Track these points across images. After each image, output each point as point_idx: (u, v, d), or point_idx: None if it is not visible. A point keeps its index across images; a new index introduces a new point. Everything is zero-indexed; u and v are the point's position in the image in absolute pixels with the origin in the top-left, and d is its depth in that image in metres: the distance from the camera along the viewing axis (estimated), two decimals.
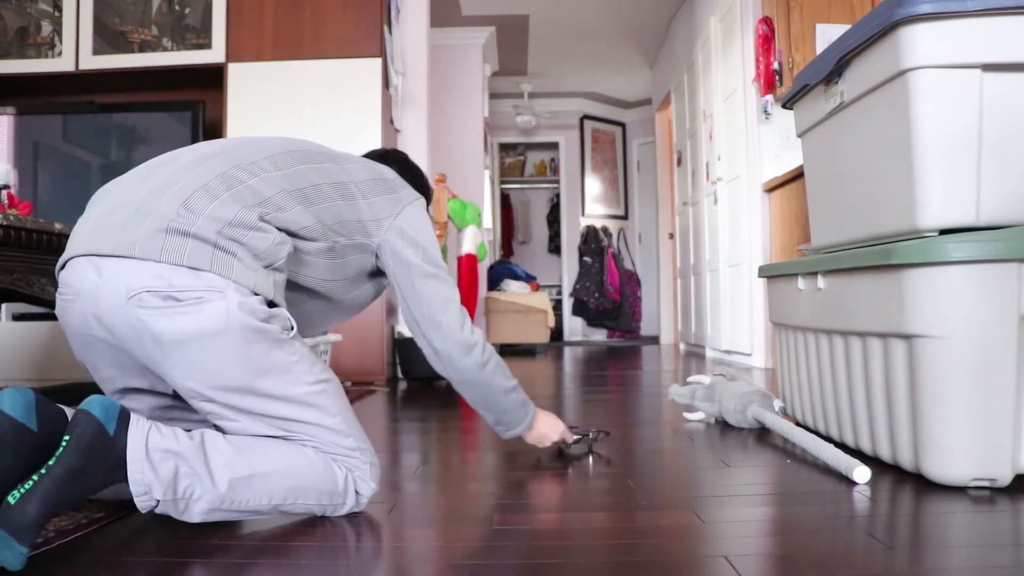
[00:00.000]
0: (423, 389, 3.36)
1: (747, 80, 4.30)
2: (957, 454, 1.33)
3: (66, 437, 0.98)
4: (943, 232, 1.42)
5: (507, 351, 6.35)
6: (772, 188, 4.05)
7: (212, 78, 3.74)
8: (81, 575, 0.98)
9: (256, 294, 1.13)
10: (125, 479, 1.03)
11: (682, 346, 6.32)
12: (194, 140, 3.63)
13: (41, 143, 3.63)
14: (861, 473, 1.41)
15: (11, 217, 1.73)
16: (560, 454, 1.75)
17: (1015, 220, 1.40)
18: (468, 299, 4.71)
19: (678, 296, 6.45)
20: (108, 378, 1.22)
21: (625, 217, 8.52)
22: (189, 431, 1.13)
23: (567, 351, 6.34)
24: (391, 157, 1.66)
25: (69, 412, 1.04)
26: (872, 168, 1.60)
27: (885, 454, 1.53)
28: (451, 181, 5.43)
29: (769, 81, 3.98)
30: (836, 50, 1.64)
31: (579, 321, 8.26)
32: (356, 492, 1.23)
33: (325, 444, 1.19)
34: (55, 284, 1.88)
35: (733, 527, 1.17)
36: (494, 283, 6.60)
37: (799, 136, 1.99)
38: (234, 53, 3.69)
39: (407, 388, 3.45)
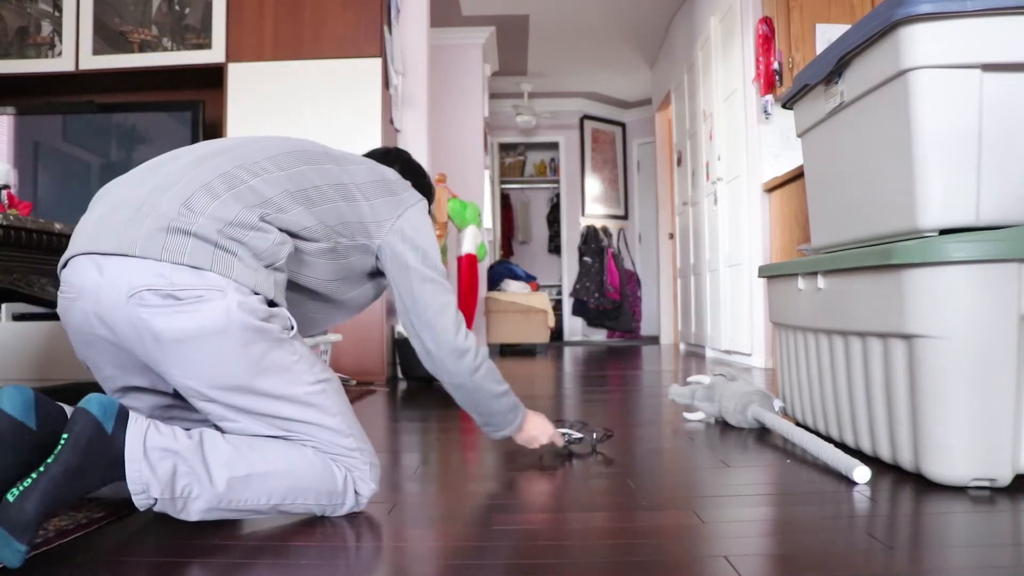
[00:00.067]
0: (423, 389, 3.36)
1: (747, 80, 4.30)
2: (957, 454, 1.33)
3: (64, 435, 0.98)
4: (943, 232, 1.42)
5: (507, 351, 6.35)
6: (772, 188, 4.05)
7: (212, 78, 3.74)
8: (81, 575, 0.98)
9: (256, 293, 1.13)
10: (123, 477, 1.04)
11: (682, 346, 6.32)
12: (194, 140, 3.63)
13: (41, 143, 3.63)
14: (861, 473, 1.41)
15: (11, 217, 1.73)
16: (567, 453, 1.74)
17: (1015, 220, 1.40)
18: (468, 299, 4.71)
19: (678, 296, 6.45)
20: (109, 377, 1.22)
21: (625, 217, 8.52)
22: (188, 430, 1.13)
23: (567, 351, 6.34)
24: (393, 156, 1.66)
25: (68, 410, 1.04)
26: (872, 168, 1.60)
27: (885, 454, 1.53)
28: (451, 181, 5.43)
29: (769, 81, 3.98)
30: (836, 50, 1.64)
31: (579, 321, 8.26)
32: (356, 492, 1.23)
33: (325, 444, 1.19)
34: (55, 284, 1.88)
35: (733, 527, 1.17)
36: (494, 283, 6.60)
37: (799, 136, 1.99)
38: (234, 53, 3.69)
39: (407, 388, 3.45)
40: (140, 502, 1.06)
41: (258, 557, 1.05)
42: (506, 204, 9.07)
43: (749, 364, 4.34)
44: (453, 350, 1.40)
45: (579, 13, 6.01)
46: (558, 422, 1.79)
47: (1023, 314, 1.31)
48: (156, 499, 1.06)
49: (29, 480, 0.94)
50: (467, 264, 4.70)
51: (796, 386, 1.99)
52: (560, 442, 1.70)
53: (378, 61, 3.68)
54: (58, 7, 3.74)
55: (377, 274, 1.44)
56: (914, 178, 1.43)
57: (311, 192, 1.25)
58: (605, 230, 8.06)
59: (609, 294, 7.75)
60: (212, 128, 3.82)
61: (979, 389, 1.32)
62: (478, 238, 4.74)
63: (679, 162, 6.18)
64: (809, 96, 1.88)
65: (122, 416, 1.05)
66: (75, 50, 3.72)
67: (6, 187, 2.07)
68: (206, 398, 1.13)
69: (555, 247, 9.16)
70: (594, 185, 8.37)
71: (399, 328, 3.92)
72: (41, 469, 0.95)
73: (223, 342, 1.08)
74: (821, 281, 1.74)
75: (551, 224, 9.27)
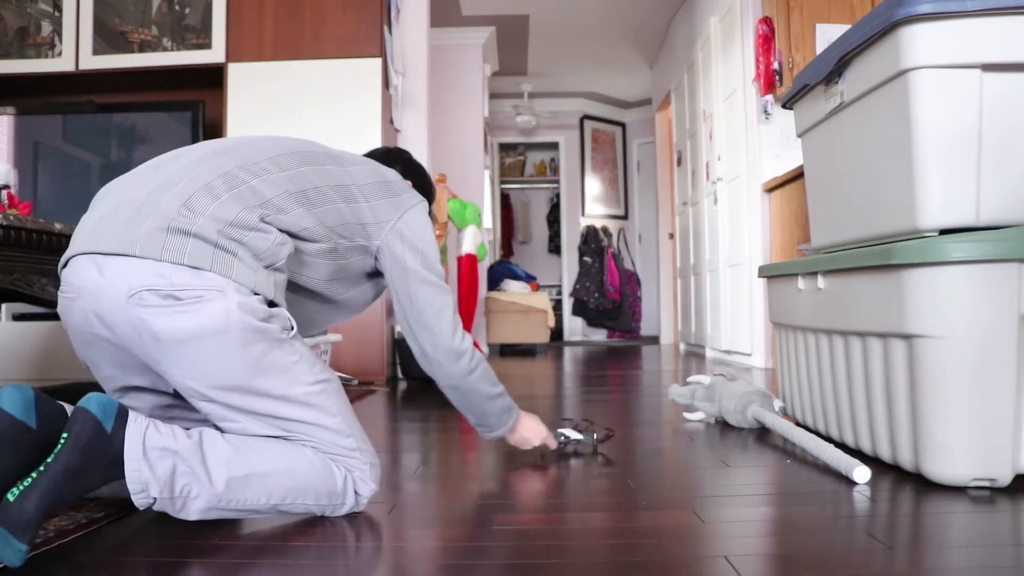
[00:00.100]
0: (423, 389, 3.36)
1: (747, 80, 4.30)
2: (957, 454, 1.33)
3: (64, 435, 0.98)
4: (943, 232, 1.42)
5: (507, 351, 6.35)
6: (772, 188, 4.05)
7: (212, 78, 3.74)
8: (81, 575, 0.98)
9: (256, 294, 1.13)
10: (122, 476, 1.04)
11: (682, 346, 6.32)
12: (194, 140, 3.63)
13: (41, 143, 3.63)
14: (861, 473, 1.41)
15: (11, 217, 1.73)
16: (572, 452, 1.74)
17: (1015, 220, 1.40)
18: (468, 299, 4.71)
19: (678, 296, 6.45)
20: (109, 376, 1.22)
21: (625, 217, 8.52)
22: (188, 430, 1.13)
23: (567, 351, 6.34)
24: (394, 156, 1.66)
25: (69, 409, 1.04)
26: (872, 168, 1.60)
27: (885, 454, 1.53)
28: (451, 181, 5.44)
29: (769, 81, 3.98)
30: (836, 50, 1.64)
31: (579, 321, 8.26)
32: (355, 492, 1.23)
33: (325, 444, 1.19)
34: (55, 284, 1.88)
35: (733, 527, 1.17)
36: (494, 283, 6.60)
37: (799, 136, 1.99)
38: (234, 53, 3.69)
39: (407, 388, 3.45)
40: (139, 501, 1.06)
41: (258, 557, 1.05)
42: (506, 204, 9.07)
43: (749, 364, 4.34)
44: (450, 351, 1.41)
45: (579, 13, 6.01)
46: (565, 420, 1.79)
47: (1023, 314, 1.31)
48: (155, 498, 1.06)
49: (29, 480, 0.94)
50: (467, 264, 4.70)
51: (796, 386, 1.99)
52: (553, 444, 1.71)
53: (378, 61, 3.68)
54: (58, 7, 3.74)
55: (376, 275, 1.44)
56: (914, 178, 1.43)
57: (311, 193, 1.25)
58: (605, 230, 8.06)
59: (609, 294, 7.75)
60: (212, 128, 3.82)
61: (979, 389, 1.32)
62: (478, 238, 4.74)
63: (679, 162, 6.18)
64: (809, 96, 1.88)
65: (121, 415, 1.05)
66: (75, 50, 3.72)
67: (6, 187, 2.07)
68: (206, 398, 1.13)
69: (555, 247, 9.16)
70: (594, 185, 8.37)
71: (399, 328, 3.92)
72: (41, 469, 0.95)
73: (223, 342, 1.08)
74: (821, 281, 1.74)
75: (551, 224, 9.27)
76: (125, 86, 3.89)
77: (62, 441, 0.98)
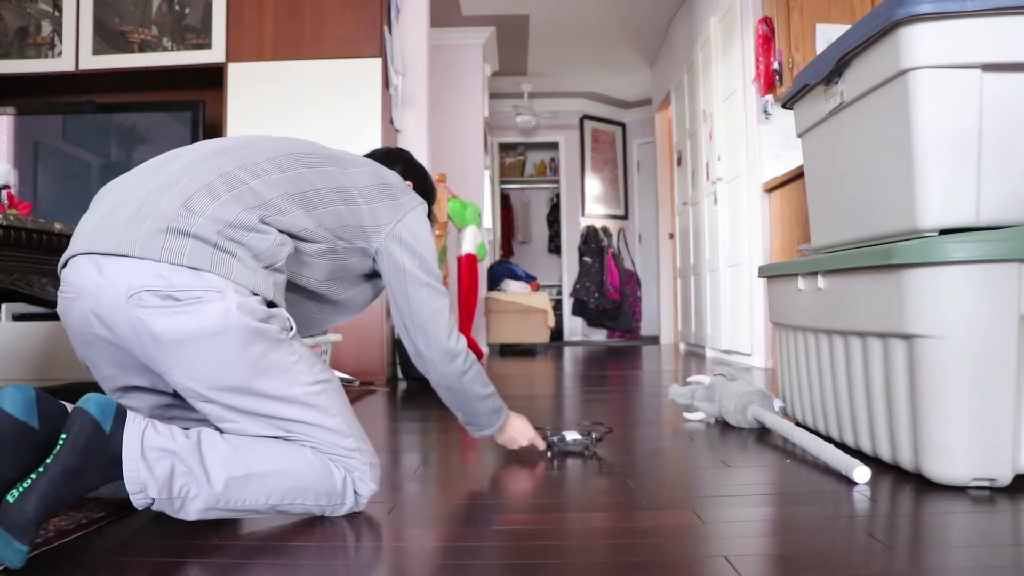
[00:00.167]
0: (423, 389, 3.36)
1: (747, 80, 4.30)
2: (957, 454, 1.33)
3: (63, 436, 0.98)
4: (943, 232, 1.42)
5: (507, 351, 6.35)
6: (772, 188, 4.05)
7: (212, 78, 3.74)
8: (81, 575, 0.98)
9: (255, 294, 1.13)
10: (121, 477, 1.04)
11: (682, 346, 6.32)
12: (194, 140, 3.63)
13: (41, 143, 3.63)
14: (861, 473, 1.41)
15: (11, 217, 1.73)
16: (563, 453, 1.74)
17: (1015, 220, 1.40)
18: (468, 299, 4.71)
19: (678, 296, 6.45)
20: (109, 376, 1.22)
21: (625, 217, 8.52)
22: (187, 430, 1.13)
23: (567, 351, 6.34)
24: (395, 157, 1.66)
25: (70, 408, 1.04)
26: (872, 168, 1.60)
27: (885, 454, 1.53)
28: (451, 181, 5.44)
29: (769, 81, 3.98)
30: (836, 50, 1.64)
31: (579, 321, 8.26)
32: (355, 492, 1.23)
33: (324, 444, 1.19)
34: (55, 284, 1.88)
35: (733, 527, 1.17)
36: (494, 283, 6.60)
37: (799, 136, 1.99)
38: (234, 53, 3.69)
39: (407, 388, 3.45)
40: (138, 502, 1.06)
41: (257, 557, 1.05)
42: (506, 204, 9.07)
43: (749, 364, 4.34)
44: (445, 352, 1.43)
45: (579, 13, 6.01)
46: (586, 424, 1.80)
47: (1023, 314, 1.31)
48: (154, 499, 1.06)
49: (28, 481, 0.94)
50: (467, 264, 4.70)
51: (796, 386, 1.99)
52: (541, 444, 1.72)
53: (378, 61, 3.68)
54: (58, 7, 3.74)
55: (374, 275, 1.44)
56: (914, 178, 1.43)
57: (311, 195, 1.25)
58: (605, 230, 8.06)
59: (609, 294, 7.75)
60: (212, 128, 3.82)
61: (979, 389, 1.32)
62: (478, 238, 4.75)
63: (679, 162, 6.18)
64: (809, 96, 1.88)
65: (120, 416, 1.05)
66: (75, 50, 3.72)
67: (6, 187, 2.07)
68: (205, 399, 1.13)
69: (555, 247, 9.16)
70: (594, 185, 8.37)
71: (400, 333, 3.92)
72: (40, 470, 0.95)
73: (222, 343, 1.08)
74: (821, 281, 1.74)
75: (551, 224, 9.27)
76: (125, 86, 3.89)
77: (60, 442, 0.98)
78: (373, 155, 1.66)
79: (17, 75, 3.75)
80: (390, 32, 3.86)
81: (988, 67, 1.37)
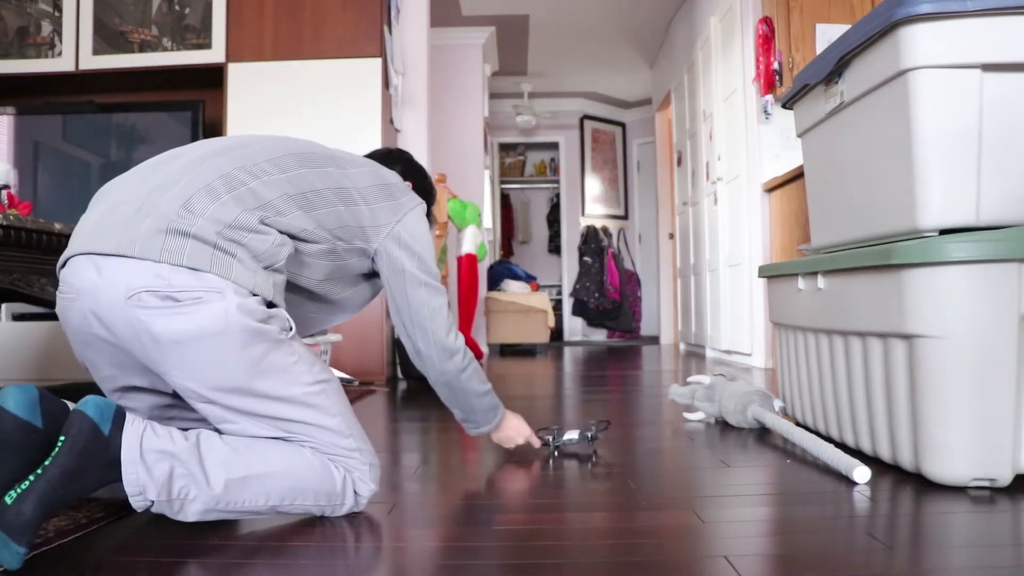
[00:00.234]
0: (423, 389, 3.36)
1: (747, 80, 4.29)
2: (957, 454, 1.33)
3: (62, 438, 0.98)
4: (943, 232, 1.42)
5: (507, 351, 6.35)
6: (772, 188, 4.05)
7: (212, 78, 3.74)
8: (81, 575, 0.98)
9: (255, 295, 1.13)
10: (120, 479, 1.03)
11: (682, 346, 6.32)
12: (194, 140, 3.63)
13: (41, 143, 3.63)
14: (861, 473, 1.41)
15: (11, 217, 1.73)
16: (559, 450, 1.74)
17: (1015, 220, 1.40)
18: (468, 299, 4.71)
19: (678, 296, 6.45)
20: (108, 377, 1.22)
21: (625, 217, 8.52)
22: (186, 431, 1.13)
23: (567, 351, 6.34)
24: (395, 157, 1.66)
25: (72, 406, 1.04)
26: (872, 168, 1.60)
27: (885, 454, 1.53)
28: (451, 181, 5.43)
29: (769, 81, 3.98)
30: (836, 50, 1.64)
31: (579, 321, 8.26)
32: (355, 492, 1.23)
33: (324, 445, 1.19)
34: (55, 284, 1.88)
35: (733, 527, 1.17)
36: (494, 283, 6.60)
37: (799, 136, 1.99)
38: (234, 53, 3.69)
39: (407, 388, 3.45)
40: (137, 504, 1.05)
41: (257, 557, 1.05)
42: (506, 204, 9.07)
43: (749, 364, 4.33)
44: (443, 350, 1.43)
45: (579, 13, 6.01)
46: (596, 423, 1.80)
47: (1023, 314, 1.31)
48: (153, 501, 1.06)
49: (27, 483, 0.94)
50: (467, 264, 4.70)
51: (796, 386, 1.99)
52: (536, 443, 1.72)
53: (378, 61, 3.68)
54: (58, 7, 3.74)
55: (373, 275, 1.44)
56: (914, 178, 1.43)
57: (310, 196, 1.25)
58: (605, 230, 8.06)
59: (609, 294, 7.75)
60: (212, 128, 3.82)
61: (979, 389, 1.32)
62: (478, 238, 4.75)
63: (679, 162, 6.18)
64: (809, 96, 1.88)
65: (119, 418, 1.04)
66: (75, 50, 3.72)
67: (6, 187, 2.07)
68: (205, 399, 1.13)
69: (555, 247, 9.16)
70: (594, 185, 8.37)
71: (399, 332, 3.92)
72: (38, 471, 0.95)
73: (222, 344, 1.08)
74: (821, 281, 1.74)
75: (551, 224, 9.27)
76: (125, 86, 3.89)
77: (59, 444, 0.98)
78: (373, 155, 1.66)
79: (17, 75, 3.75)
80: (390, 32, 3.86)
81: (988, 67, 1.37)
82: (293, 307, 1.31)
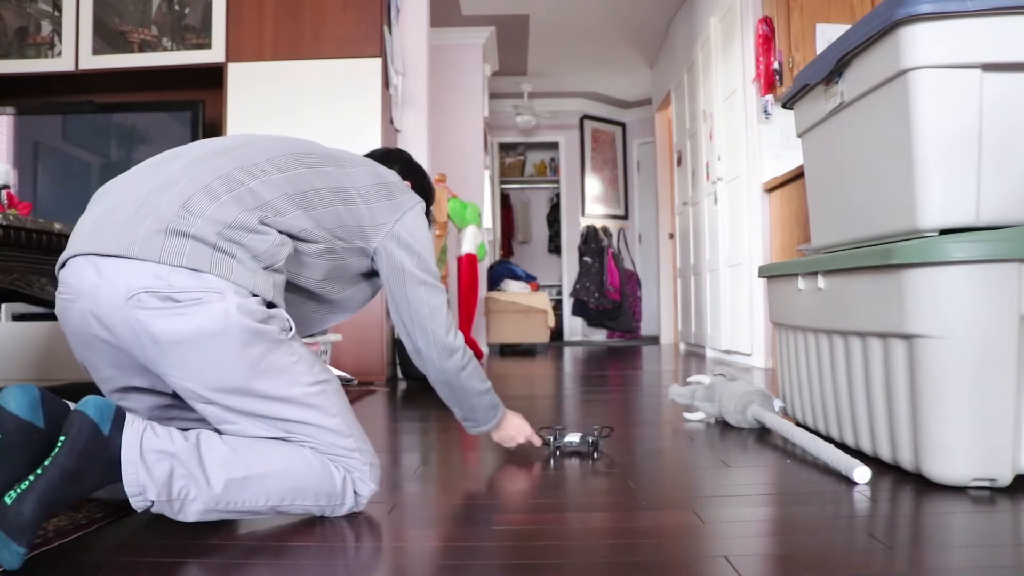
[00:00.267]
0: (423, 389, 3.36)
1: (747, 80, 4.29)
2: (957, 454, 1.33)
3: (61, 438, 0.98)
4: (943, 232, 1.42)
5: (507, 351, 6.35)
6: (772, 188, 4.05)
7: (212, 78, 3.74)
8: (81, 575, 0.98)
9: (255, 295, 1.13)
10: (120, 479, 1.03)
11: (682, 346, 6.31)
12: (194, 140, 3.62)
13: (41, 143, 3.63)
14: (861, 473, 1.41)
15: (11, 217, 1.73)
16: (560, 451, 1.74)
17: (1015, 220, 1.40)
18: (468, 299, 4.71)
19: (678, 296, 6.45)
20: (108, 377, 1.22)
21: (625, 217, 8.52)
22: (186, 431, 1.13)
23: (567, 351, 6.34)
24: (394, 157, 1.66)
25: (73, 406, 1.04)
26: (872, 168, 1.60)
27: (885, 454, 1.52)
28: (451, 181, 5.43)
29: (769, 81, 3.98)
30: (836, 50, 1.64)
31: (579, 321, 8.25)
32: (355, 493, 1.23)
33: (324, 445, 1.19)
34: (55, 284, 1.88)
35: (733, 527, 1.17)
36: (494, 283, 6.60)
37: (799, 136, 1.99)
38: (234, 53, 3.69)
39: (407, 388, 3.45)
40: (137, 504, 1.05)
41: (257, 557, 1.05)
42: (506, 204, 9.07)
43: (749, 364, 4.33)
44: (443, 348, 1.43)
45: (579, 13, 6.01)
46: (598, 428, 1.79)
47: (1023, 314, 1.31)
48: (153, 501, 1.06)
49: (26, 483, 0.94)
50: (467, 264, 4.70)
51: (796, 386, 1.99)
52: (537, 442, 1.72)
53: (378, 61, 3.68)
54: (58, 7, 3.74)
55: (372, 274, 1.44)
56: (914, 178, 1.43)
57: (310, 195, 1.25)
58: (605, 230, 8.06)
59: (609, 294, 7.75)
60: (212, 128, 3.82)
61: (979, 389, 1.32)
62: (478, 238, 4.75)
63: (679, 162, 6.18)
64: (809, 96, 1.88)
65: (119, 418, 1.04)
66: (75, 50, 3.72)
67: (6, 187, 2.07)
68: (205, 400, 1.12)
69: (555, 247, 9.16)
70: (594, 185, 8.37)
71: (398, 331, 3.92)
72: (38, 471, 0.95)
73: (222, 344, 1.08)
74: (821, 281, 1.74)
75: (551, 224, 9.26)
76: (125, 86, 3.89)
77: (59, 444, 0.98)
78: (372, 155, 1.66)
79: (17, 75, 3.75)
80: (390, 32, 3.86)
81: (988, 67, 1.37)
82: (293, 307, 1.31)
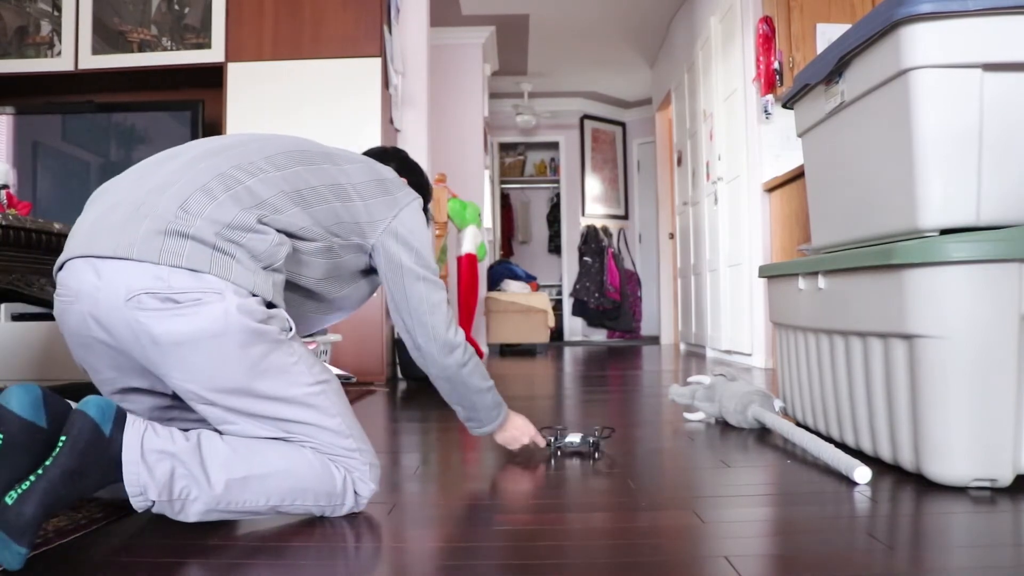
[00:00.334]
0: (423, 389, 3.36)
1: (747, 80, 4.29)
2: (958, 454, 1.33)
3: (62, 438, 0.98)
4: (943, 232, 1.42)
5: (507, 351, 6.35)
6: (772, 188, 4.05)
7: (211, 78, 3.73)
8: (80, 575, 0.98)
9: (255, 295, 1.13)
10: (121, 479, 1.03)
11: (682, 346, 6.31)
12: (194, 140, 3.62)
13: (40, 143, 3.63)
14: (861, 473, 1.40)
15: (10, 217, 1.73)
16: (560, 453, 1.74)
17: (1015, 220, 1.40)
18: (468, 299, 4.71)
19: (678, 296, 6.45)
20: (108, 379, 1.22)
21: (625, 217, 8.52)
22: (186, 431, 1.13)
23: (567, 351, 6.33)
24: (390, 154, 1.66)
25: (74, 406, 1.04)
26: (873, 168, 1.60)
27: (885, 454, 1.52)
28: (451, 181, 5.43)
29: (769, 81, 3.98)
30: (836, 50, 1.64)
31: (579, 321, 8.25)
32: (355, 493, 1.22)
33: (324, 445, 1.19)
34: (54, 284, 1.88)
35: (733, 527, 1.17)
36: (494, 283, 6.60)
37: (799, 136, 1.99)
38: (233, 53, 3.69)
39: (407, 388, 3.45)
40: (138, 504, 1.05)
41: (257, 557, 1.04)
42: (506, 204, 9.07)
43: (749, 364, 4.33)
44: (444, 344, 1.42)
45: (579, 13, 6.01)
46: (599, 429, 1.79)
47: (1023, 314, 1.31)
48: (154, 501, 1.06)
49: (27, 483, 0.94)
50: (467, 264, 4.70)
51: (796, 386, 1.99)
52: (542, 442, 1.72)
53: (378, 61, 3.68)
54: (57, 7, 3.74)
55: (371, 272, 1.44)
56: (914, 178, 1.43)
57: (307, 193, 1.25)
58: (605, 230, 8.06)
59: (609, 294, 7.75)
60: (212, 128, 3.82)
61: (979, 389, 1.32)
62: (478, 238, 4.74)
63: (679, 162, 6.18)
64: (809, 96, 1.88)
65: (120, 418, 1.04)
66: (74, 50, 3.72)
67: (5, 187, 2.07)
68: (205, 401, 1.12)
69: (555, 247, 9.16)
70: (594, 185, 8.36)
71: (398, 329, 3.91)
72: (39, 472, 0.95)
73: (222, 344, 1.08)
74: (821, 281, 1.73)
75: (551, 224, 9.26)
76: (124, 86, 3.89)
77: (60, 444, 0.97)
78: (368, 153, 1.66)
79: (16, 75, 3.75)
80: (390, 32, 3.86)
81: (989, 67, 1.37)
82: (292, 307, 1.31)
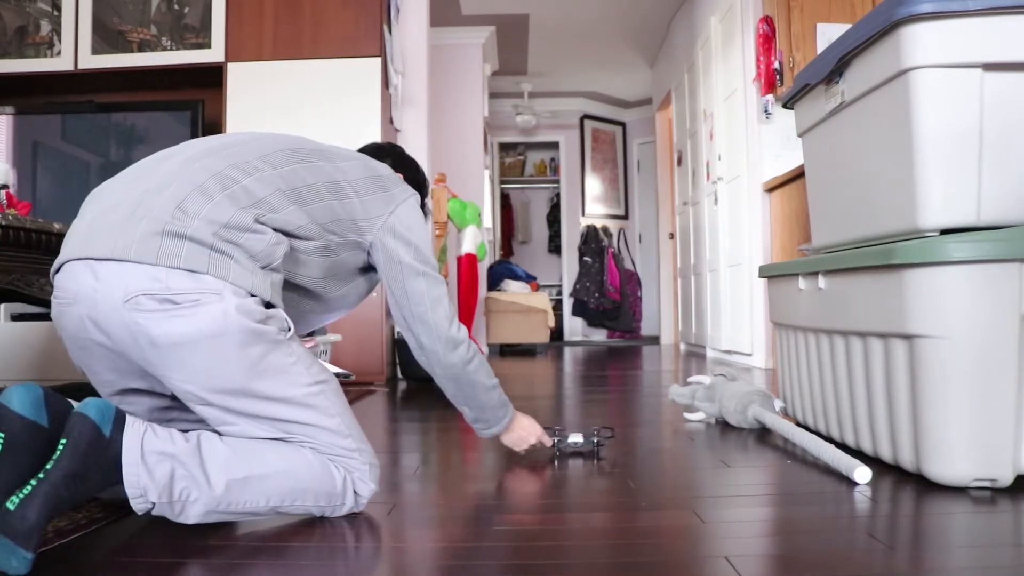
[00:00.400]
0: (423, 389, 3.36)
1: (747, 80, 4.29)
2: (958, 454, 1.33)
3: (63, 441, 0.98)
4: (944, 232, 1.42)
5: (507, 351, 6.34)
6: (772, 188, 4.05)
7: (211, 78, 3.73)
8: (80, 575, 0.98)
9: (253, 295, 1.13)
10: (121, 481, 1.03)
11: (682, 346, 6.31)
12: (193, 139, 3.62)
13: (40, 143, 3.63)
14: (862, 473, 1.40)
15: (10, 217, 1.73)
16: (560, 454, 1.74)
17: (1016, 220, 1.40)
18: (468, 299, 4.71)
19: (678, 296, 6.45)
20: (107, 381, 1.22)
21: (625, 217, 8.52)
22: (186, 432, 1.12)
23: (567, 351, 6.33)
24: (386, 151, 1.66)
25: (74, 406, 1.03)
26: (873, 168, 1.60)
27: (886, 454, 1.52)
28: (451, 181, 5.43)
29: (769, 81, 3.98)
30: (837, 50, 1.64)
31: (579, 321, 8.25)
32: (355, 493, 1.22)
33: (324, 445, 1.19)
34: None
35: (733, 527, 1.17)
36: (494, 283, 6.60)
37: (799, 136, 1.99)
38: (233, 53, 3.69)
39: (407, 388, 3.45)
40: (138, 506, 1.05)
41: (257, 557, 1.04)
42: (506, 204, 9.06)
43: (749, 364, 4.33)
44: (447, 341, 1.41)
45: (579, 13, 6.01)
46: (599, 429, 1.78)
47: (1023, 314, 1.31)
48: (154, 503, 1.06)
49: (29, 487, 0.93)
50: (467, 264, 4.70)
51: (796, 386, 1.99)
52: (548, 442, 1.71)
53: (378, 61, 3.68)
54: (57, 6, 3.74)
55: (369, 269, 1.43)
56: (915, 178, 1.43)
57: (303, 190, 1.24)
58: (605, 230, 8.06)
59: (609, 294, 7.75)
60: (211, 127, 3.81)
61: (980, 389, 1.32)
62: (478, 238, 4.74)
63: (679, 162, 6.18)
64: (810, 96, 1.88)
65: (119, 420, 1.04)
66: (74, 49, 3.72)
67: (5, 187, 2.07)
68: (204, 401, 1.12)
69: (555, 247, 9.16)
70: (594, 185, 8.36)
71: (398, 328, 3.91)
72: (40, 475, 0.94)
73: (220, 345, 1.08)
74: (822, 281, 1.73)
75: (551, 224, 9.26)
76: (124, 86, 3.89)
77: (61, 447, 0.97)
78: (364, 150, 1.66)
79: (16, 74, 3.75)
80: (390, 32, 3.86)
81: (989, 67, 1.37)
82: (290, 306, 1.31)
